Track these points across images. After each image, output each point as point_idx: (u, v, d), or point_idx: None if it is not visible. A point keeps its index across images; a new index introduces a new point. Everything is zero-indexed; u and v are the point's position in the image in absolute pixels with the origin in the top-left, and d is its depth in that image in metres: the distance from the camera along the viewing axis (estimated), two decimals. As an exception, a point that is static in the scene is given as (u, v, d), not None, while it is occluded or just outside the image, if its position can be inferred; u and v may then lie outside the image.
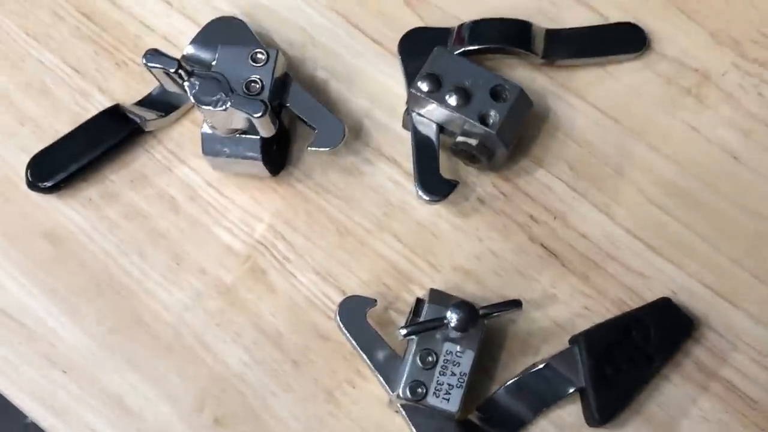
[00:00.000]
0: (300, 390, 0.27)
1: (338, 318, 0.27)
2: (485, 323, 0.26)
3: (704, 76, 0.29)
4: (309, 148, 0.27)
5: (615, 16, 0.30)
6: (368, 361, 0.26)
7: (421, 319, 0.26)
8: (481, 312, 0.25)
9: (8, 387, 0.28)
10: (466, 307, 0.25)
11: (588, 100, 0.29)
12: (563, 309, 0.27)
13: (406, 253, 0.28)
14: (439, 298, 0.26)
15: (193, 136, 0.29)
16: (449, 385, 0.25)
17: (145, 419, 0.27)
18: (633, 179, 0.28)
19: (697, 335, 0.27)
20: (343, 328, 0.27)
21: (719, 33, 0.29)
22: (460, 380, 0.25)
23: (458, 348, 0.26)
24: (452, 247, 0.28)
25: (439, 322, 0.25)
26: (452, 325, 0.25)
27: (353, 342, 0.27)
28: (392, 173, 0.29)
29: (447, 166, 0.28)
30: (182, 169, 0.29)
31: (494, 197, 0.29)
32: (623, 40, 0.29)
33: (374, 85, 0.30)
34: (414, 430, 0.26)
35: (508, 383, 0.27)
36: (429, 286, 0.27)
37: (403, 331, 0.25)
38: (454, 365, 0.26)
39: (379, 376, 0.26)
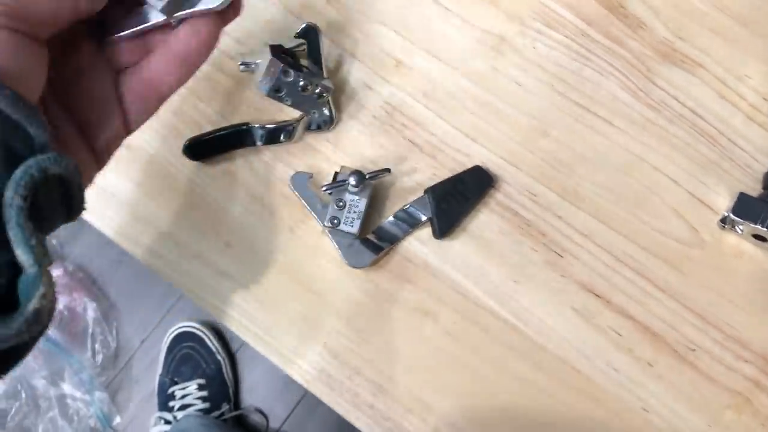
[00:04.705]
0: (275, 227, 0.47)
1: (291, 185, 0.46)
2: (372, 183, 0.45)
3: (501, 38, 0.48)
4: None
5: (451, 4, 0.49)
6: (308, 208, 0.46)
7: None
8: (367, 176, 0.45)
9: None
10: (357, 173, 0.44)
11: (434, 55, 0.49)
12: (421, 175, 0.46)
13: (332, 150, 0.48)
14: (346, 170, 0.45)
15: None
16: (352, 218, 0.45)
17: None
18: (461, 101, 0.48)
19: (497, 186, 0.46)
20: (294, 191, 0.46)
21: (510, 12, 0.49)
22: (359, 215, 0.45)
23: (357, 197, 0.45)
24: (359, 146, 0.47)
25: (343, 183, 0.44)
26: (351, 183, 0.44)
27: (301, 199, 0.46)
28: (321, 103, 0.49)
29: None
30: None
31: (382, 116, 0.48)
32: (456, 19, 0.49)
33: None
34: (335, 244, 0.45)
35: (390, 217, 0.46)
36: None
37: (324, 188, 0.45)
38: (355, 207, 0.45)
39: (315, 215, 0.46)
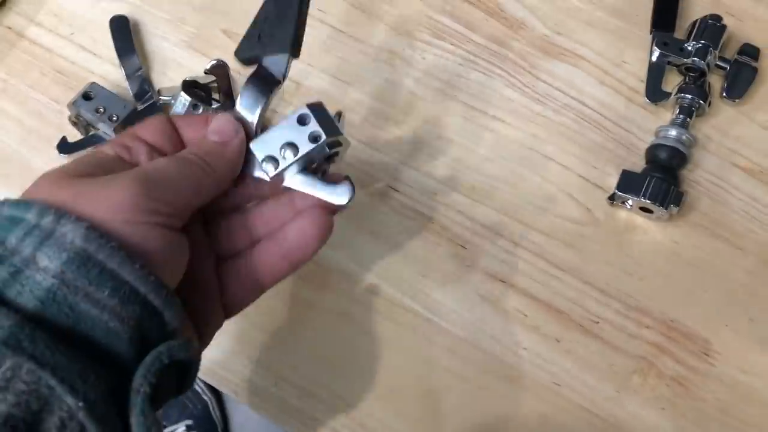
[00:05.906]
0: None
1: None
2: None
3: (393, 53, 0.51)
4: None
5: (343, 27, 0.53)
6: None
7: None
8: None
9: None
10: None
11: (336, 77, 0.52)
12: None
13: (243, 172, 0.51)
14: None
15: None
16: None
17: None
18: (361, 114, 0.50)
19: (400, 189, 0.49)
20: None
21: (398, 28, 0.52)
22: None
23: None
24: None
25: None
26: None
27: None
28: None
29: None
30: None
31: (288, 135, 0.51)
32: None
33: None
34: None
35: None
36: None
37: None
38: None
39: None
